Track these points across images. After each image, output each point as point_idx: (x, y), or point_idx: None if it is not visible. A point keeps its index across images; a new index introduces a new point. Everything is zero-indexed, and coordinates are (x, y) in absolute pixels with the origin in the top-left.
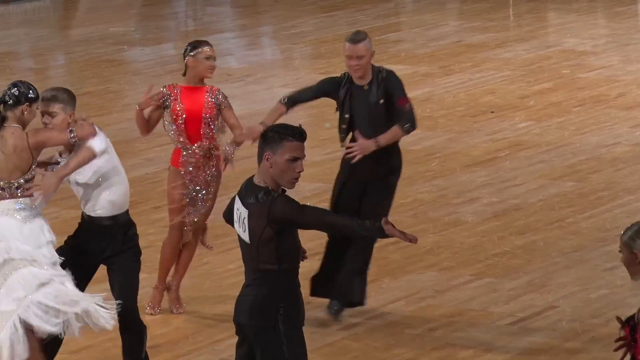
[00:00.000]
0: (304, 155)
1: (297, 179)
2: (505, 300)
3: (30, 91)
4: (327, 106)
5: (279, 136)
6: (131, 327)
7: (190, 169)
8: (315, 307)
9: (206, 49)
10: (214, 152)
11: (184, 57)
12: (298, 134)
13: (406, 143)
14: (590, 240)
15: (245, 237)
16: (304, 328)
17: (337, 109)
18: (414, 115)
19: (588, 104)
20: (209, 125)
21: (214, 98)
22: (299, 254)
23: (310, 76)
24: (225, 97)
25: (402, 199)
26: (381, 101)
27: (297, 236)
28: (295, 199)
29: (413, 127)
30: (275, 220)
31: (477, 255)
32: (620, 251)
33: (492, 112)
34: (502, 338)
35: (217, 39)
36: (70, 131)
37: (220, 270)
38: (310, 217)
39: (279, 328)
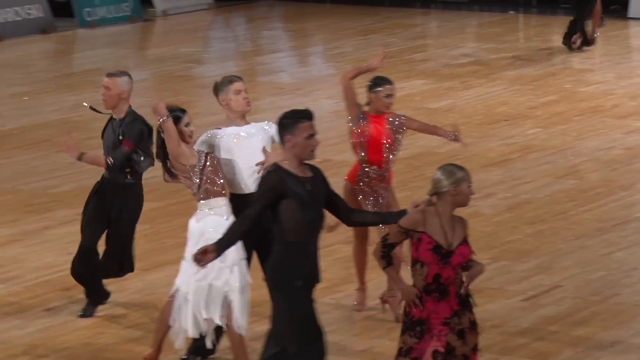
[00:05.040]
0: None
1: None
2: (517, 280)
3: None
4: None
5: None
6: None
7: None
8: None
9: (387, 87)
10: (385, 174)
11: (368, 90)
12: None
13: (432, 146)
14: (589, 230)
15: None
16: None
17: None
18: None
19: (587, 113)
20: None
21: (391, 125)
22: None
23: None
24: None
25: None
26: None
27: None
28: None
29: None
30: None
31: (493, 242)
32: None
33: (505, 120)
34: (515, 312)
35: (271, 58)
36: None
37: None
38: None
39: None
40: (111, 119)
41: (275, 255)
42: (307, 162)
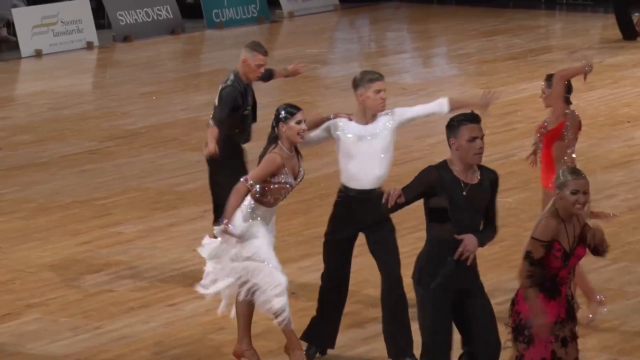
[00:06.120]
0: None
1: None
2: (638, 281)
3: (282, 111)
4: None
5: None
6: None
7: None
8: None
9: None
10: None
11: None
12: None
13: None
14: None
15: None
16: None
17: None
18: None
19: None
20: None
21: None
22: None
23: (473, 91)
24: None
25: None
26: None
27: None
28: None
29: None
30: None
31: (614, 243)
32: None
33: (628, 122)
34: (635, 313)
35: (396, 59)
36: None
37: None
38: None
39: None
40: (242, 88)
41: (423, 250)
42: (482, 166)
